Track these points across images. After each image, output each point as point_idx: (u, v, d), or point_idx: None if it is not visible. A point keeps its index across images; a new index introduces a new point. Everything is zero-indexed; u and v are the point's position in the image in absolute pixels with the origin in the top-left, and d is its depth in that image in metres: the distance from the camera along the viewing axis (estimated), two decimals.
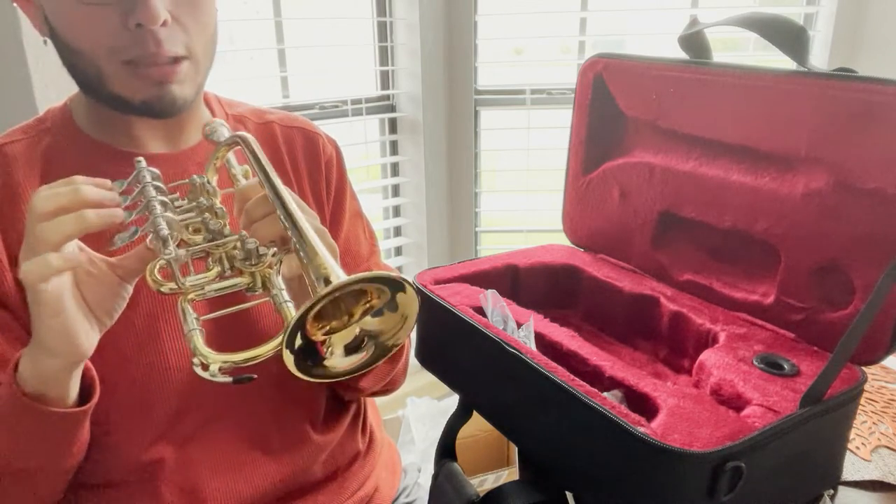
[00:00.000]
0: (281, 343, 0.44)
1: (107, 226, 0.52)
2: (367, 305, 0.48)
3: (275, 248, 0.56)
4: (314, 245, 0.48)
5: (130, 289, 0.58)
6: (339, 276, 0.45)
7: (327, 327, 0.48)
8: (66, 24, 0.62)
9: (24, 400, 0.56)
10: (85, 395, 0.61)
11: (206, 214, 0.59)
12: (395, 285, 0.46)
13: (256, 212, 0.56)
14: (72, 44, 0.62)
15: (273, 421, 0.74)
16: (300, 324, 0.44)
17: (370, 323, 0.49)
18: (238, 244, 0.57)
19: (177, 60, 0.63)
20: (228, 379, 0.51)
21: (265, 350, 0.52)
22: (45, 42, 0.65)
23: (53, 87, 1.08)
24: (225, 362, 0.51)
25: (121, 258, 0.57)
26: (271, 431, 0.74)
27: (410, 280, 0.47)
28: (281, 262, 0.56)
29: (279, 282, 0.56)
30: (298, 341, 0.45)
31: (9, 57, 1.04)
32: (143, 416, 0.68)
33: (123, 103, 0.64)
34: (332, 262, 0.46)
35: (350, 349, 0.49)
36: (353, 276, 0.43)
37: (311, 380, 0.47)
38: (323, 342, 0.48)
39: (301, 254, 0.49)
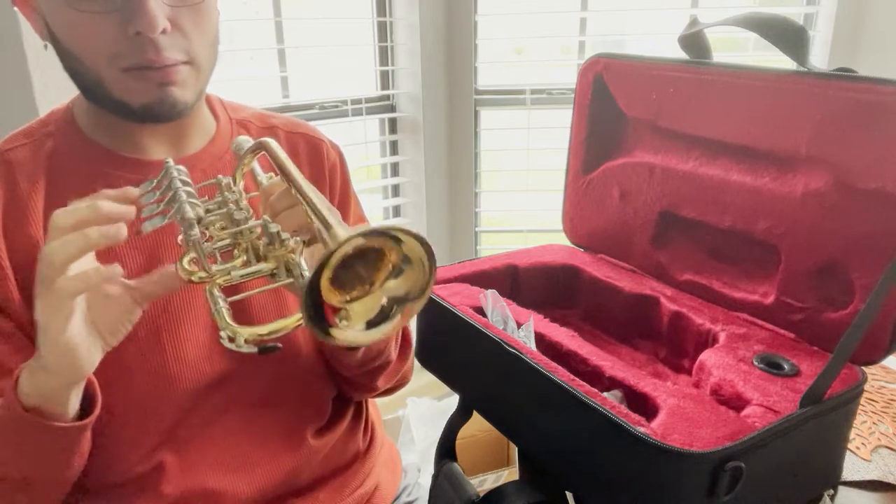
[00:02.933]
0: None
1: (112, 243, 0.51)
2: (389, 268, 0.49)
3: (298, 237, 0.57)
4: (332, 224, 0.49)
5: (140, 312, 0.57)
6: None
7: (350, 296, 0.48)
8: (66, 30, 0.62)
9: (23, 413, 0.55)
10: (87, 405, 0.60)
11: (231, 206, 0.60)
12: (399, 237, 0.46)
13: (280, 204, 0.58)
14: (72, 50, 0.62)
15: (274, 423, 0.74)
16: (315, 286, 0.44)
17: (395, 287, 0.49)
18: (261, 229, 0.58)
19: (177, 63, 0.63)
20: (254, 349, 0.52)
21: (290, 322, 0.52)
22: (45, 46, 0.65)
23: (54, 88, 1.08)
24: (251, 335, 0.52)
25: (141, 281, 0.56)
26: (272, 433, 0.74)
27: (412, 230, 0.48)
28: (304, 245, 0.57)
29: (303, 263, 0.56)
30: (314, 309, 0.46)
31: (9, 57, 1.04)
32: (145, 425, 0.67)
33: (124, 108, 0.64)
34: (347, 229, 0.47)
35: (379, 319, 0.49)
36: (357, 228, 0.43)
37: (347, 343, 0.47)
38: (343, 310, 0.48)
39: (320, 232, 0.50)
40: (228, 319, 0.52)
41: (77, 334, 0.52)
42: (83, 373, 0.55)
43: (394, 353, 0.78)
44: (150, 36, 0.59)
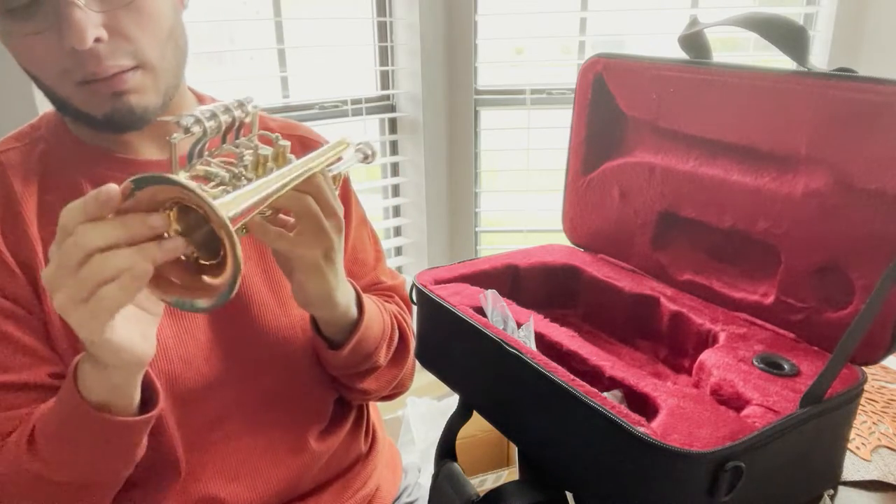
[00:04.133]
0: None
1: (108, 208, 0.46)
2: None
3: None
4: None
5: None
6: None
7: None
8: (18, 54, 0.62)
9: (90, 411, 0.54)
10: (144, 400, 0.59)
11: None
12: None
13: None
14: (29, 71, 0.62)
15: (276, 427, 0.74)
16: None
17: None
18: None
19: (125, 70, 0.61)
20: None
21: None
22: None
23: None
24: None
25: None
26: (274, 438, 0.74)
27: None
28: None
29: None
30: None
31: (9, 58, 1.04)
32: None
33: (92, 120, 0.63)
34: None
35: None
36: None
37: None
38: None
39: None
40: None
41: (123, 331, 0.50)
42: (146, 356, 0.53)
43: (383, 360, 0.77)
44: (82, 49, 0.57)
